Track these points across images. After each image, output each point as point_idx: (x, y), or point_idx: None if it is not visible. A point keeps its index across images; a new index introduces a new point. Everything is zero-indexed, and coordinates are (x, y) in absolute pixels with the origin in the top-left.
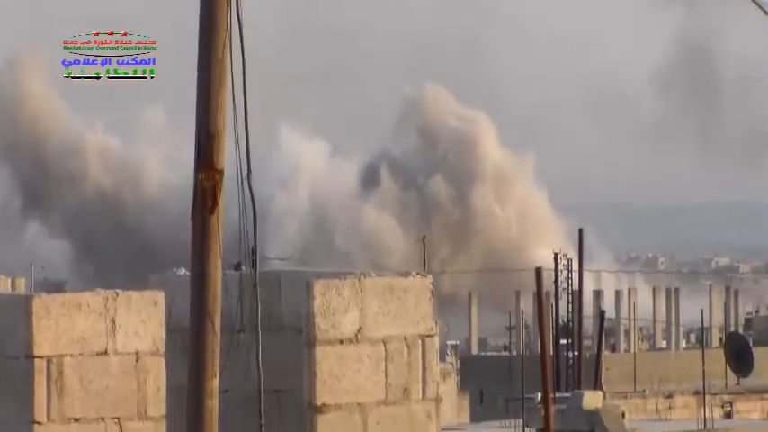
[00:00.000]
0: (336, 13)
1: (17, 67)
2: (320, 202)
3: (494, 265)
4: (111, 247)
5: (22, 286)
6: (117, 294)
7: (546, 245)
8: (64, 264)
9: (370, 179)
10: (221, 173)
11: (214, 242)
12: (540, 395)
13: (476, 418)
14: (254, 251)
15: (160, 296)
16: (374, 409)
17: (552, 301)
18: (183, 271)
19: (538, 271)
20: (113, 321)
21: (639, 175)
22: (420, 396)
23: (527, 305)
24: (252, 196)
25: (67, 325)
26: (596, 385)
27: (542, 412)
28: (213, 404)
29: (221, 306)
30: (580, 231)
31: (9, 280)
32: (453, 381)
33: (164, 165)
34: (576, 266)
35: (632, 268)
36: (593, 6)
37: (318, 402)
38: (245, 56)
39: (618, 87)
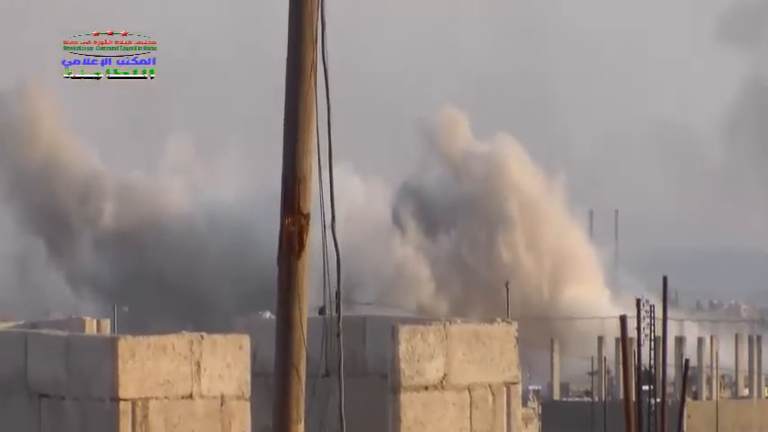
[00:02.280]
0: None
1: (25, 97)
2: (353, 242)
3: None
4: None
5: (107, 328)
6: (202, 337)
7: (579, 281)
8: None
9: (397, 220)
10: (307, 217)
11: (301, 287)
12: None
13: None
14: (337, 296)
15: (246, 340)
16: None
17: (635, 347)
18: (268, 314)
19: (623, 318)
20: (198, 364)
21: (717, 221)
22: None
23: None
24: (335, 242)
25: (153, 367)
26: None
27: None
28: None
29: (306, 350)
30: (664, 279)
31: (95, 321)
32: (536, 426)
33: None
34: (659, 313)
35: (714, 315)
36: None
37: None
38: (329, 98)
39: (684, 129)
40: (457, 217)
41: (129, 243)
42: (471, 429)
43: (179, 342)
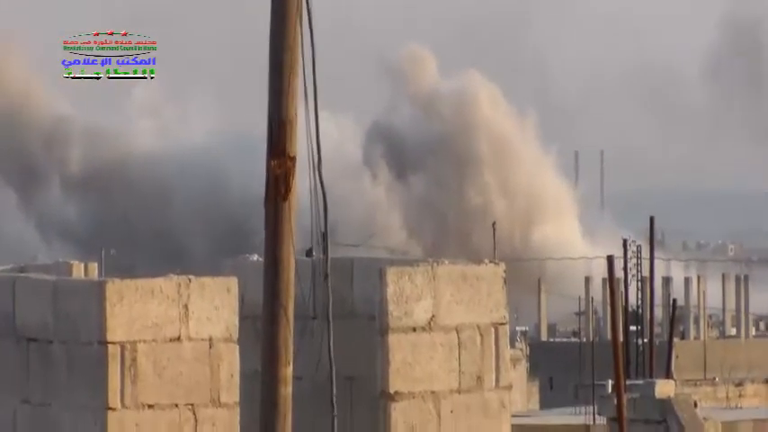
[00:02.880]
0: None
1: None
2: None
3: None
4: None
5: (94, 272)
6: (190, 280)
7: (553, 222)
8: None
9: (368, 161)
10: (294, 160)
11: (287, 229)
12: (611, 383)
13: (546, 404)
14: (324, 238)
15: (233, 282)
16: (447, 398)
17: (622, 288)
18: (255, 257)
19: (610, 259)
20: (186, 307)
21: (702, 161)
22: (493, 385)
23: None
24: (322, 184)
25: (141, 311)
26: (667, 374)
27: (614, 401)
28: (287, 391)
29: (294, 293)
30: (651, 219)
31: (82, 265)
32: (523, 367)
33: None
34: (645, 255)
35: (701, 255)
36: None
37: (391, 390)
38: (314, 41)
39: (667, 71)
40: (427, 158)
41: (98, 188)
42: (459, 370)
43: (167, 285)
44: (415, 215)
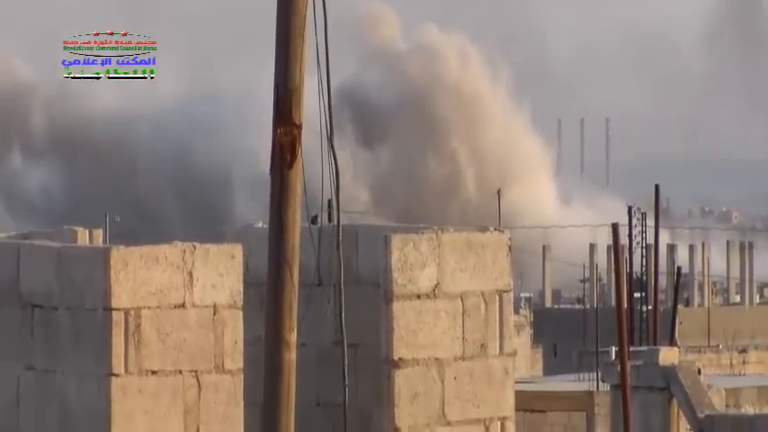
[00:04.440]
0: None
1: None
2: None
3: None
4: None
5: (99, 238)
6: (195, 247)
7: (527, 186)
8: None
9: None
10: (300, 127)
11: (293, 196)
12: (615, 350)
13: (549, 371)
14: (335, 208)
15: (238, 249)
16: (451, 365)
17: (627, 255)
18: (260, 224)
19: (614, 226)
20: (191, 274)
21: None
22: (497, 352)
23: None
24: (334, 154)
25: (145, 277)
26: (671, 341)
27: (618, 368)
28: (291, 358)
29: (299, 260)
30: (656, 187)
31: (87, 232)
32: (527, 334)
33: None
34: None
35: (706, 222)
36: None
37: (396, 357)
38: (326, 8)
39: (664, 37)
40: (395, 123)
41: (63, 155)
42: (464, 338)
43: (171, 252)
44: (381, 185)
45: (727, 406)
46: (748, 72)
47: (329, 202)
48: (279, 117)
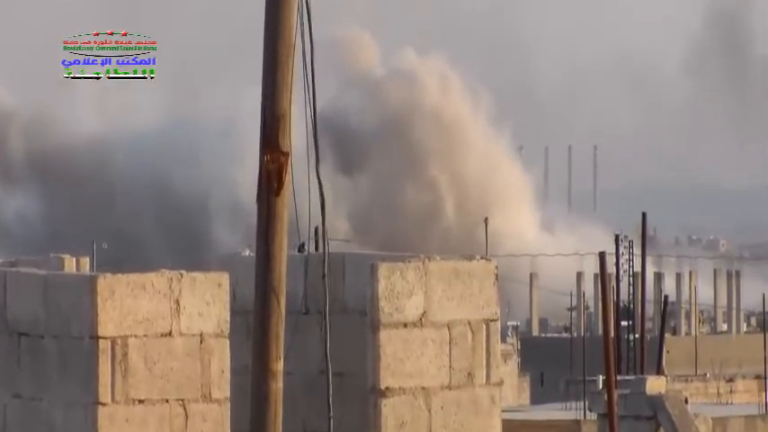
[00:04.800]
0: None
1: None
2: None
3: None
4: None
5: (86, 266)
6: (182, 276)
7: (508, 209)
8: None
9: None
10: (287, 155)
11: (280, 224)
12: (602, 379)
13: (536, 399)
14: (322, 237)
15: (225, 278)
16: (438, 394)
17: (614, 283)
18: (247, 252)
19: (602, 255)
20: (177, 303)
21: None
22: (484, 381)
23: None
24: (319, 182)
25: (132, 305)
26: (659, 370)
27: (605, 397)
28: (278, 387)
29: (285, 288)
30: (643, 215)
31: (74, 260)
32: (514, 362)
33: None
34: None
35: (693, 250)
36: None
37: (382, 386)
38: (312, 35)
39: (649, 63)
40: (373, 149)
41: (41, 180)
42: (450, 366)
43: (158, 280)
44: (360, 213)
45: None
46: (735, 100)
47: (316, 229)
48: (266, 144)
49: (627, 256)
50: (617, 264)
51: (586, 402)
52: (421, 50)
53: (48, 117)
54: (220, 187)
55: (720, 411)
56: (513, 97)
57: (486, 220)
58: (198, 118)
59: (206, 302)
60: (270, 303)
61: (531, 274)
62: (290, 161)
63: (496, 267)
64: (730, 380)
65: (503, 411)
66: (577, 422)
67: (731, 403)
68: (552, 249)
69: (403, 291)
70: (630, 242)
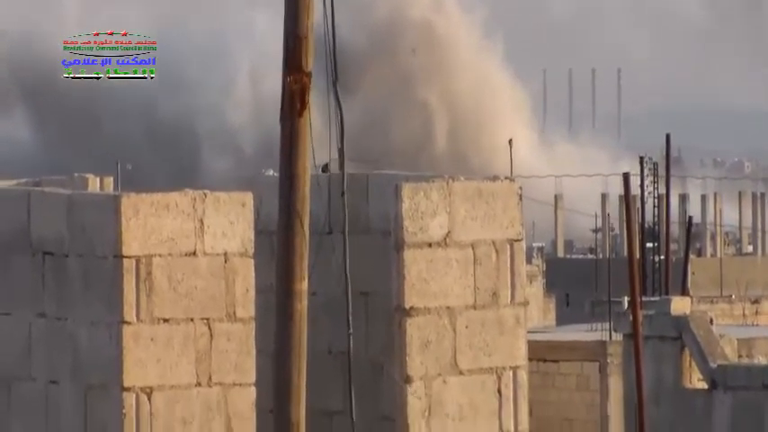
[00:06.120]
0: None
1: None
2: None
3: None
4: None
5: (110, 185)
6: (205, 195)
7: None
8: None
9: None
10: (310, 75)
11: (303, 144)
12: (627, 300)
13: (562, 320)
14: (341, 155)
15: (248, 197)
16: (463, 313)
17: (639, 205)
18: (271, 172)
19: (626, 176)
20: (201, 222)
21: (718, 79)
22: (508, 301)
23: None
24: (338, 101)
25: (156, 225)
26: (683, 291)
27: (630, 317)
28: (302, 306)
29: (309, 208)
30: (667, 136)
31: (98, 179)
32: (540, 283)
33: None
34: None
35: (718, 172)
36: None
37: (407, 305)
38: None
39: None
40: (362, 72)
41: (27, 102)
42: (475, 286)
43: (182, 200)
44: (351, 137)
45: (739, 356)
46: (751, 26)
47: (339, 150)
48: (289, 65)
49: (651, 178)
50: (642, 185)
51: (612, 323)
52: None
53: (34, 37)
54: (208, 114)
55: (746, 333)
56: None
57: (510, 141)
58: (186, 35)
59: (230, 222)
60: (293, 224)
61: (555, 196)
62: (311, 82)
63: (520, 188)
64: (756, 301)
65: (528, 332)
66: (603, 343)
67: (757, 325)
68: (549, 170)
69: (427, 210)
70: (655, 164)
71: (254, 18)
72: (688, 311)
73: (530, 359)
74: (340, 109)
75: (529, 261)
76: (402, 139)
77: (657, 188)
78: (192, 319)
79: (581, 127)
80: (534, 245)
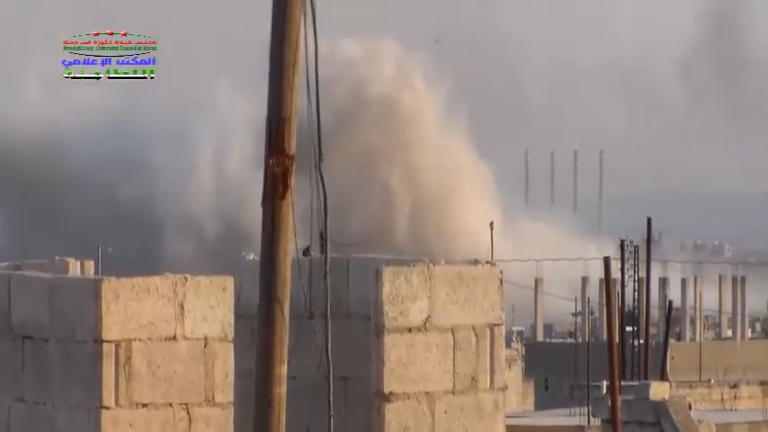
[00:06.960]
0: None
1: None
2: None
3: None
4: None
5: (90, 269)
6: (186, 279)
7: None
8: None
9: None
10: (292, 158)
11: (285, 228)
12: (606, 384)
13: (540, 405)
14: (323, 238)
15: (229, 282)
16: (442, 398)
17: (618, 289)
18: (252, 256)
19: (606, 260)
20: (182, 306)
21: (698, 161)
22: (488, 386)
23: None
24: (323, 183)
25: (136, 309)
26: (663, 376)
27: (609, 402)
28: (281, 391)
29: (290, 292)
30: (648, 220)
31: (78, 263)
32: (519, 367)
33: None
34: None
35: (698, 256)
36: None
37: (386, 390)
38: (317, 37)
39: (642, 67)
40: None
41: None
42: (455, 371)
43: (163, 284)
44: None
45: None
46: (728, 103)
47: (320, 233)
48: (271, 148)
49: (632, 261)
50: (622, 269)
51: (590, 408)
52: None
53: None
54: (171, 198)
55: (724, 417)
56: (501, 103)
57: (491, 224)
58: (148, 122)
59: (210, 306)
60: (274, 308)
61: (535, 280)
62: (294, 165)
63: (501, 272)
64: (734, 386)
65: (507, 416)
66: (581, 428)
67: (735, 409)
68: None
69: (407, 295)
70: (636, 247)
71: (217, 96)
72: (667, 396)
73: None
74: (324, 191)
75: (508, 345)
76: (363, 223)
77: (638, 272)
78: (170, 404)
79: (563, 207)
80: (514, 328)
